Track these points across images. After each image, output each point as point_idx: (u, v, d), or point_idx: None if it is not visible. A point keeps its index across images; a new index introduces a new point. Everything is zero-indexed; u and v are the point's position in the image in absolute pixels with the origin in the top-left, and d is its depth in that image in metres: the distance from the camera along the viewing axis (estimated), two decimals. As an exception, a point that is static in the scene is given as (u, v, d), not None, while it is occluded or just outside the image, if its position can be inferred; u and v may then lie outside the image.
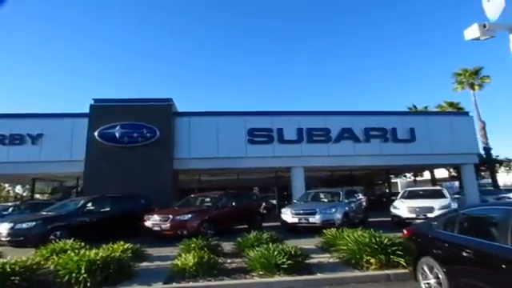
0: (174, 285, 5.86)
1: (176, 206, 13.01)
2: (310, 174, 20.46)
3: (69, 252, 6.57)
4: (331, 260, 7.23)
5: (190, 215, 11.13)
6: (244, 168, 18.96)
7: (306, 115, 19.01)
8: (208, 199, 13.40)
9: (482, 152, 27.00)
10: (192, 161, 17.65)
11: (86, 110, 17.30)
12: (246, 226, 12.91)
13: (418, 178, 35.10)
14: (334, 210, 11.95)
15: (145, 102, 17.61)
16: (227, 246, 8.61)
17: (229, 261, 7.43)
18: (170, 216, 11.04)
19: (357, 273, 6.30)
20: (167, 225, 10.87)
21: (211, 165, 17.89)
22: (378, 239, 6.74)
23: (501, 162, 29.56)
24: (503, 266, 3.42)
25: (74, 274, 5.63)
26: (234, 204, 13.21)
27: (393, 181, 35.70)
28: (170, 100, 17.89)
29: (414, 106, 33.04)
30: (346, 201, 13.24)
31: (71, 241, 7.99)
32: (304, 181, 18.30)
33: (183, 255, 6.71)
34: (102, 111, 16.98)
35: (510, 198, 16.29)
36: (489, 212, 4.68)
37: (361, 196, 15.78)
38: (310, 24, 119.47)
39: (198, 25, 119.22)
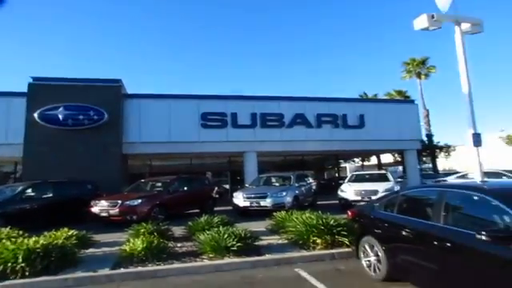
0: (122, 270, 5.79)
1: (125, 192, 12.73)
2: (263, 158, 20.78)
3: (4, 241, 6.23)
4: (280, 241, 7.49)
5: (140, 200, 10.96)
6: (197, 153, 18.84)
7: (260, 100, 19.17)
8: (159, 184, 13.24)
9: (425, 138, 28.85)
10: (143, 145, 17.19)
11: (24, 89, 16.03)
12: (198, 211, 12.95)
13: (365, 163, 36.85)
14: (284, 194, 12.33)
15: (91, 82, 16.67)
16: (178, 231, 8.61)
17: (179, 245, 7.46)
18: (119, 201, 10.79)
19: (304, 253, 6.60)
20: (116, 210, 10.62)
21: (163, 149, 17.55)
22: (324, 221, 7.08)
23: (441, 148, 31.77)
24: (435, 243, 3.74)
25: (9, 264, 5.37)
26: (185, 189, 13.15)
27: (342, 165, 37.19)
28: (119, 81, 17.13)
29: (365, 94, 34.42)
30: (297, 185, 13.69)
31: (7, 229, 7.55)
32: (257, 165, 18.54)
33: (132, 240, 6.63)
34: (42, 91, 15.76)
35: (446, 181, 17.63)
36: (424, 193, 5.06)
37: (311, 180, 16.35)
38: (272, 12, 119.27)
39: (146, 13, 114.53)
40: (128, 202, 10.79)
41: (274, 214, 9.22)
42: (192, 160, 22.80)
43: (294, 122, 18.82)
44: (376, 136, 19.89)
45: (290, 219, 7.89)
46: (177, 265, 6.02)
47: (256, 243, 6.98)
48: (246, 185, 15.51)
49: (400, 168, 30.12)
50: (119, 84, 17.07)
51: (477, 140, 10.45)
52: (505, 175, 15.36)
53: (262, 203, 12.20)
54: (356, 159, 36.72)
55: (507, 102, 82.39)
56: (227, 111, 18.14)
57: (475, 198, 3.71)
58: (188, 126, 17.53)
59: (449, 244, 3.55)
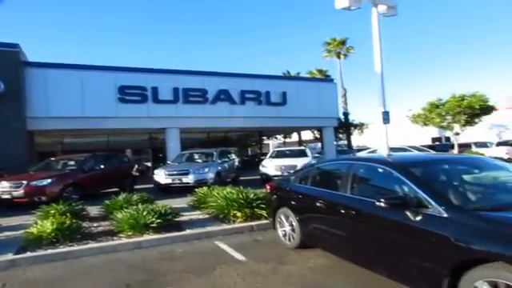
0: (29, 254, 5.47)
1: (32, 171, 11.75)
2: (186, 135, 20.57)
3: None
4: (201, 216, 7.66)
5: (49, 180, 10.26)
6: (115, 129, 17.90)
7: (182, 74, 18.66)
8: (72, 162, 12.47)
9: (342, 116, 30.89)
10: (51, 120, 15.74)
11: None
12: (117, 189, 12.51)
13: (287, 140, 38.48)
14: (206, 170, 12.48)
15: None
16: (94, 210, 8.28)
17: (95, 224, 7.23)
18: (24, 182, 9.99)
19: (224, 226, 6.83)
20: (20, 192, 9.83)
21: (75, 125, 16.30)
22: (244, 195, 7.38)
23: (355, 126, 34.29)
24: (342, 211, 4.13)
25: None
26: (102, 167, 12.57)
27: (265, 142, 38.43)
28: (16, 46, 15.02)
29: (288, 72, 35.49)
30: (219, 161, 13.91)
31: None
32: (179, 142, 18.29)
33: (40, 222, 6.25)
34: None
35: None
36: (334, 166, 5.50)
37: (234, 156, 16.70)
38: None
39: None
40: (35, 183, 10.04)
41: (196, 190, 9.32)
42: (109, 137, 21.71)
43: (217, 98, 18.78)
44: (297, 113, 20.76)
45: (212, 195, 8.05)
46: (92, 245, 5.85)
47: (177, 219, 7.06)
48: (169, 162, 15.30)
49: (319, 145, 32.00)
50: (17, 49, 15.01)
51: (385, 118, 11.57)
52: (409, 150, 17.26)
53: (185, 180, 12.22)
54: (278, 136, 38.14)
55: (419, 83, 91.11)
56: (147, 85, 17.37)
57: (379, 169, 4.15)
58: (104, 101, 16.39)
59: (353, 212, 3.95)
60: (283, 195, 5.75)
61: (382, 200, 3.28)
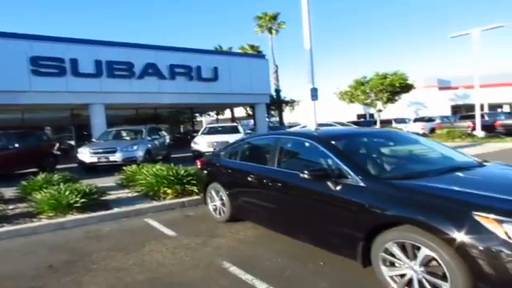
0: None
1: None
2: (113, 111, 19.61)
3: None
4: (130, 195, 7.53)
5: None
6: (29, 104, 16.37)
7: (106, 46, 17.52)
8: (-21, 141, 11.32)
9: (273, 93, 31.52)
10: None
11: None
12: (36, 170, 11.66)
13: (220, 117, 38.45)
14: (135, 148, 12.14)
15: None
16: (8, 192, 7.72)
17: (11, 207, 6.78)
18: None
19: (154, 203, 6.81)
20: None
21: (-21, 100, 14.71)
22: (174, 171, 7.37)
23: (287, 103, 35.27)
24: (270, 184, 4.33)
25: None
26: (16, 146, 11.60)
27: (198, 119, 38.00)
28: None
29: (220, 47, 35.01)
30: (149, 138, 13.58)
31: None
32: (105, 119, 17.42)
33: None
34: None
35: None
36: (263, 141, 5.67)
37: (164, 133, 16.38)
38: None
39: None
40: None
41: (125, 168, 9.09)
42: (24, 113, 19.90)
43: (145, 73, 18.03)
44: (229, 89, 20.78)
45: (141, 172, 7.92)
46: (8, 228, 5.50)
47: (104, 198, 6.89)
48: (94, 140, 14.55)
49: (252, 121, 32.47)
50: None
51: (314, 94, 12.06)
52: (335, 126, 18.25)
53: (112, 158, 11.78)
54: (211, 113, 37.90)
55: (349, 61, 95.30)
56: (65, 57, 16.01)
57: (304, 143, 4.38)
58: (13, 73, 14.77)
59: (280, 184, 4.18)
60: (213, 170, 5.85)
61: (306, 172, 3.50)
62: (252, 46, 34.59)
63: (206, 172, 6.09)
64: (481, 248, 2.30)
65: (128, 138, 13.85)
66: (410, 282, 2.76)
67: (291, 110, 35.62)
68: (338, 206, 3.35)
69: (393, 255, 2.87)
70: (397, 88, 21.01)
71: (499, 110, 37.15)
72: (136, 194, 7.52)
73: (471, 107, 22.08)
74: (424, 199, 2.79)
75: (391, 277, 2.91)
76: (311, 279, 3.39)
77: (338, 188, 3.33)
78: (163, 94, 18.64)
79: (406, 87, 21.65)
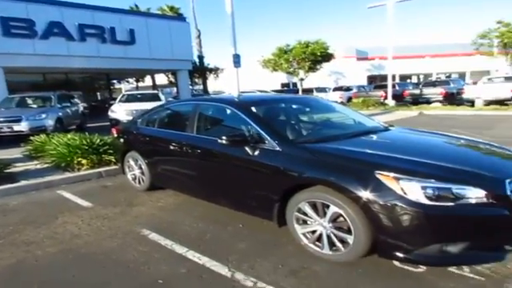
0: None
1: None
2: (15, 76, 17.71)
3: None
4: (40, 166, 7.04)
5: None
6: None
7: (-2, 0, 15.47)
8: None
9: (197, 60, 30.75)
10: None
11: None
12: None
13: (140, 84, 36.76)
14: (44, 116, 11.24)
15: None
16: None
17: None
18: None
19: (67, 174, 6.46)
20: None
21: None
22: (89, 141, 7.02)
23: (211, 70, 34.68)
24: (189, 151, 4.34)
25: None
26: None
27: (117, 86, 35.96)
28: None
29: (136, 6, 32.76)
30: (59, 106, 12.62)
31: None
32: (5, 85, 15.67)
33: None
34: None
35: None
36: (181, 107, 5.60)
37: (78, 101, 15.34)
38: None
39: None
40: None
41: (32, 138, 8.41)
42: None
43: (50, 33, 16.31)
44: (148, 54, 19.86)
45: (51, 142, 7.39)
46: None
47: (8, 171, 6.36)
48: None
49: (175, 89, 31.53)
50: None
51: (236, 61, 12.10)
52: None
53: (16, 128, 10.77)
54: (130, 79, 36.05)
55: (274, 29, 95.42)
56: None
57: (223, 109, 4.42)
58: None
59: (199, 151, 4.20)
60: (131, 139, 5.68)
61: (224, 137, 3.54)
62: (172, 8, 32.86)
63: (122, 140, 5.89)
64: (381, 203, 2.59)
65: (35, 106, 12.70)
66: (320, 237, 3.04)
67: (216, 77, 35.16)
68: (256, 170, 3.48)
69: (305, 214, 3.11)
70: (318, 57, 21.81)
71: (408, 80, 40.74)
72: (46, 165, 7.03)
73: (385, 77, 23.87)
74: (333, 161, 3.03)
75: (304, 234, 3.17)
76: (230, 241, 3.56)
77: (256, 153, 3.45)
78: (73, 58, 17.17)
79: (327, 56, 22.58)
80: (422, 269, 2.81)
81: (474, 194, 2.51)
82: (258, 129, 3.59)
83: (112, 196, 5.38)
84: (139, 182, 5.50)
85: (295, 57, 22.03)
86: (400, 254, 2.60)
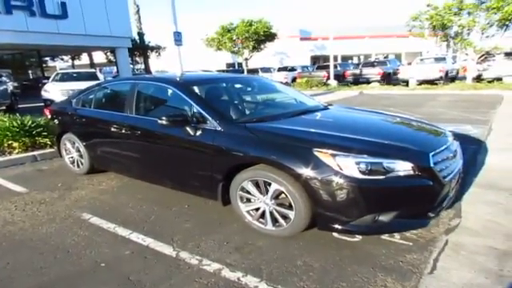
0: None
1: None
2: None
3: None
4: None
5: None
6: None
7: None
8: None
9: (137, 37, 29.38)
10: None
11: None
12: None
13: (76, 62, 34.56)
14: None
15: None
16: None
17: None
18: None
19: (-4, 159, 6.02)
20: None
21: None
22: (19, 122, 6.55)
23: (152, 48, 33.27)
24: (128, 132, 4.18)
25: None
26: None
27: (50, 64, 33.48)
28: None
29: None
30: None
31: None
32: None
33: None
34: None
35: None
36: (119, 86, 5.28)
37: (6, 80, 14.10)
38: None
39: None
40: None
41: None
42: None
43: (-30, 4, 14.78)
44: (82, 30, 18.64)
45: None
46: None
47: None
48: None
49: (115, 68, 30.02)
50: None
51: (177, 39, 11.75)
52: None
53: None
54: (65, 57, 33.77)
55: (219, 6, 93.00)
56: None
57: (163, 88, 4.29)
58: None
59: (139, 132, 4.07)
60: (66, 120, 5.35)
61: (164, 118, 3.46)
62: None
63: (57, 122, 5.53)
64: (319, 179, 2.70)
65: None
66: (264, 214, 3.13)
67: (158, 56, 33.86)
68: (198, 150, 3.46)
69: (248, 192, 3.17)
70: (261, 36, 21.71)
71: (350, 61, 42.11)
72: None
73: (328, 58, 24.46)
74: (274, 140, 3.09)
75: (248, 211, 3.24)
76: (176, 221, 3.55)
77: (198, 133, 3.42)
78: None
79: (270, 36, 22.52)
80: (357, 238, 3.02)
81: (402, 167, 2.71)
82: (200, 109, 3.54)
83: (49, 180, 5.11)
84: (78, 166, 5.26)
85: (239, 35, 21.78)
86: (337, 226, 2.77)
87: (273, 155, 2.95)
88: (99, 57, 32.81)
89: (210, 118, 3.43)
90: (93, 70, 16.31)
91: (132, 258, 2.89)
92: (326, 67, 23.53)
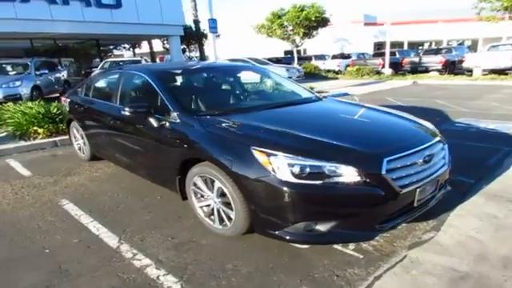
0: None
1: None
2: (2, 42, 17.64)
3: None
4: (-3, 135, 7.12)
5: None
6: None
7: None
8: None
9: (193, 25, 29.93)
10: None
11: None
12: None
13: (138, 51, 36.32)
14: (18, 84, 11.29)
15: None
16: None
17: None
18: None
19: (21, 143, 6.57)
20: None
21: None
22: (45, 109, 7.07)
23: (206, 36, 33.57)
24: (112, 122, 4.28)
25: None
26: None
27: (117, 53, 35.62)
28: None
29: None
30: (38, 73, 12.61)
31: None
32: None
33: None
34: None
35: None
36: (109, 75, 5.36)
37: (61, 69, 15.29)
38: None
39: None
40: None
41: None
42: None
43: (30, -4, 16.03)
44: (136, 19, 19.36)
45: (8, 111, 7.44)
46: None
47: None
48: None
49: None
50: None
51: (212, 26, 11.87)
52: (247, 62, 18.23)
53: (-10, 95, 10.86)
54: (127, 45, 35.60)
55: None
56: None
57: (140, 79, 4.26)
58: None
59: (119, 122, 4.17)
60: (73, 108, 5.63)
61: (126, 108, 3.50)
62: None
63: (68, 109, 5.86)
64: (253, 179, 2.56)
65: (13, 73, 12.73)
66: (213, 211, 3.06)
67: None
68: (160, 142, 3.47)
69: (200, 188, 3.12)
70: (312, 22, 20.88)
71: (420, 47, 39.30)
72: (4, 134, 7.14)
73: (393, 45, 23.14)
74: (218, 135, 2.98)
75: (201, 207, 3.20)
76: (139, 212, 3.62)
77: (160, 124, 3.42)
78: (57, 22, 16.78)
79: (322, 21, 21.53)
80: (306, 246, 2.84)
81: (346, 172, 2.46)
82: (165, 99, 3.51)
83: (55, 165, 5.47)
84: (83, 152, 5.56)
85: (289, 21, 21.13)
86: (272, 232, 2.61)
87: (214, 152, 2.86)
88: (159, 45, 34.05)
89: (171, 109, 3.39)
90: (138, 58, 17.10)
91: (76, 247, 3.00)
92: (383, 54, 22.29)
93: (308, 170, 2.45)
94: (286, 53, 40.69)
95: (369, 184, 2.48)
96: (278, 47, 36.69)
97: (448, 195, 3.33)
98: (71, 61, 22.96)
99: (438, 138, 3.12)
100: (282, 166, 2.48)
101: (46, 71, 13.45)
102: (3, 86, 10.98)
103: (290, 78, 17.29)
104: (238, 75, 4.82)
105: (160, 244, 2.98)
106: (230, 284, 2.44)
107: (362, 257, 2.70)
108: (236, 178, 2.67)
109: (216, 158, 2.82)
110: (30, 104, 7.48)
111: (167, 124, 3.38)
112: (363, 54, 28.49)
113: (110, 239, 3.10)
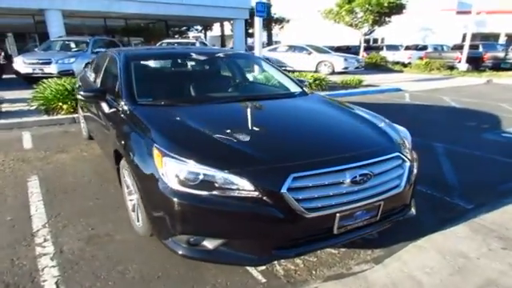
0: None
1: None
2: (76, 20, 19.12)
3: None
4: (27, 108, 7.63)
5: None
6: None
7: None
8: None
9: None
10: None
11: None
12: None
13: (210, 33, 37.26)
14: (72, 60, 12.06)
15: None
16: None
17: None
18: None
19: (42, 117, 7.02)
20: None
21: None
22: (71, 87, 7.46)
23: (276, 21, 33.17)
24: (93, 105, 4.24)
25: None
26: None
27: (191, 35, 36.90)
28: None
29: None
30: (95, 51, 13.38)
31: None
32: (63, 28, 17.00)
33: None
34: None
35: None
36: (100, 57, 5.28)
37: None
38: None
39: None
40: None
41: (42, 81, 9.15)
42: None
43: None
44: (202, 1, 19.80)
45: (41, 87, 7.94)
46: None
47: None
48: (36, 50, 14.41)
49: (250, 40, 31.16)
50: None
51: (260, 9, 11.59)
52: (306, 49, 17.68)
53: (47, 70, 11.74)
54: (199, 27, 36.66)
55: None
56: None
57: (114, 61, 4.07)
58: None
59: (93, 104, 4.19)
60: (78, 87, 5.83)
61: (81, 92, 3.55)
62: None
63: (77, 87, 6.11)
64: (146, 180, 2.40)
65: (75, 49, 13.70)
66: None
67: (280, 29, 33.76)
68: (107, 128, 3.47)
69: (126, 182, 3.01)
70: (385, 8, 19.26)
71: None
72: (35, 107, 7.69)
73: (487, 36, 20.75)
74: (138, 127, 2.82)
75: (130, 200, 3.05)
76: (88, 198, 3.64)
77: (111, 110, 3.39)
78: (128, 2, 17.82)
79: (396, 7, 19.69)
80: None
81: (240, 185, 2.16)
82: (122, 84, 3.43)
83: (60, 141, 5.74)
84: (84, 131, 5.78)
85: (359, 7, 19.75)
86: (161, 239, 2.42)
87: (124, 145, 2.75)
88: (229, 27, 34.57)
89: (123, 95, 3.31)
90: (193, 41, 17.42)
91: (2, 224, 3.08)
92: (463, 47, 19.97)
93: (201, 177, 2.19)
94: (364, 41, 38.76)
95: (265, 202, 2.15)
96: (354, 35, 35.02)
97: (419, 221, 2.88)
98: (141, 40, 24.16)
99: (393, 154, 2.63)
100: (169, 171, 2.25)
101: (104, 50, 14.23)
102: (59, 61, 11.84)
103: (346, 68, 16.62)
104: (215, 63, 4.60)
105: (76, 233, 2.95)
106: (103, 288, 2.32)
107: (263, 281, 2.42)
108: (137, 176, 2.53)
109: (125, 153, 2.70)
110: (61, 81, 7.94)
111: (116, 110, 3.31)
112: (442, 45, 26.11)
113: (38, 221, 3.14)
